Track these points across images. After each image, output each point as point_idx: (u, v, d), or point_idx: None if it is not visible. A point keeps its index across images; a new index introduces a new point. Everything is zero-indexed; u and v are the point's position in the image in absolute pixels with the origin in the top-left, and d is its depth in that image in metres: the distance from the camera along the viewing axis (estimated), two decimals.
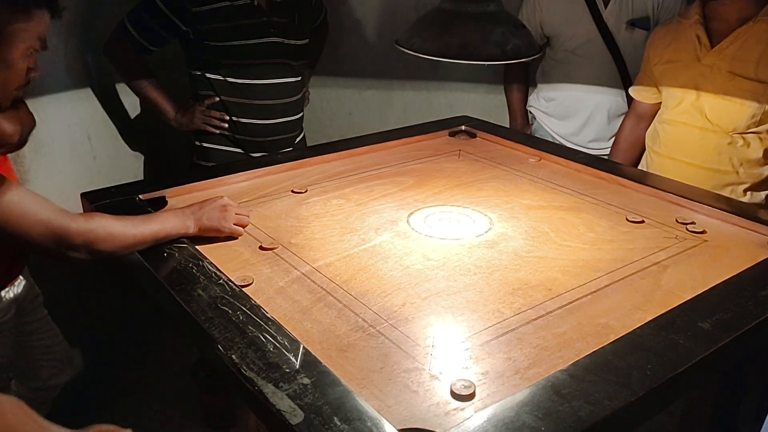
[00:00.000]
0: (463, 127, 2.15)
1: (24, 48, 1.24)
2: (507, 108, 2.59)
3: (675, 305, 1.13)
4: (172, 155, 2.45)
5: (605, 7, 2.21)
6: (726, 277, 1.23)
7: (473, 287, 1.23)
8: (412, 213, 1.55)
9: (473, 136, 2.13)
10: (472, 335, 1.08)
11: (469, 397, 0.93)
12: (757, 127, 1.77)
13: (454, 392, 0.93)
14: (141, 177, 2.47)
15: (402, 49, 1.41)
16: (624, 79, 2.28)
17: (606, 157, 2.21)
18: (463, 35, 1.34)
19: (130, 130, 2.38)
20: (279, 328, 1.05)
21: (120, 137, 2.34)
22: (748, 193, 1.84)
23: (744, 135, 1.79)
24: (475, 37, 1.34)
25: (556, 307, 1.17)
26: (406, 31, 1.44)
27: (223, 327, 1.05)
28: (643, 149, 2.09)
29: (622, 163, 2.06)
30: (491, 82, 2.70)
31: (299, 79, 2.17)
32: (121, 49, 2.01)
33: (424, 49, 1.37)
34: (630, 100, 2.26)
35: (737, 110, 1.77)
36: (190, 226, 1.36)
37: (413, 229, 1.48)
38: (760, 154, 1.80)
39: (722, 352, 1.02)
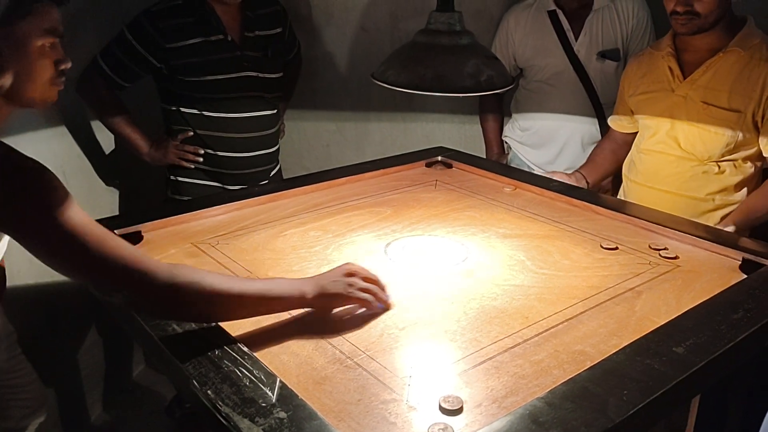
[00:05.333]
0: (439, 158, 2.17)
1: (35, 48, 1.12)
2: (483, 138, 2.62)
3: (649, 330, 1.14)
4: (148, 190, 2.44)
5: (576, 40, 2.27)
6: (699, 302, 1.24)
7: (451, 316, 1.23)
8: (389, 243, 1.56)
9: (449, 166, 2.15)
10: (450, 365, 1.08)
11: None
12: (731, 154, 1.81)
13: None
14: (116, 212, 2.45)
15: (377, 82, 1.43)
16: (596, 108, 2.33)
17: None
18: (437, 67, 1.37)
19: (105, 166, 2.37)
20: (255, 361, 1.04)
21: (95, 173, 2.33)
22: (725, 220, 1.87)
23: (719, 163, 1.82)
24: (449, 69, 1.37)
25: (532, 334, 1.17)
26: (382, 64, 1.46)
27: (198, 362, 1.03)
28: (614, 170, 2.13)
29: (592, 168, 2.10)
30: (467, 112, 2.73)
31: (274, 112, 2.18)
32: (93, 85, 2.02)
33: (398, 81, 1.39)
34: (603, 129, 2.30)
35: (711, 139, 1.80)
36: (307, 292, 1.17)
37: (391, 259, 1.48)
38: (735, 181, 1.83)
39: (697, 375, 1.03)
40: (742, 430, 1.78)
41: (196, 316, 1.12)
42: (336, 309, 1.23)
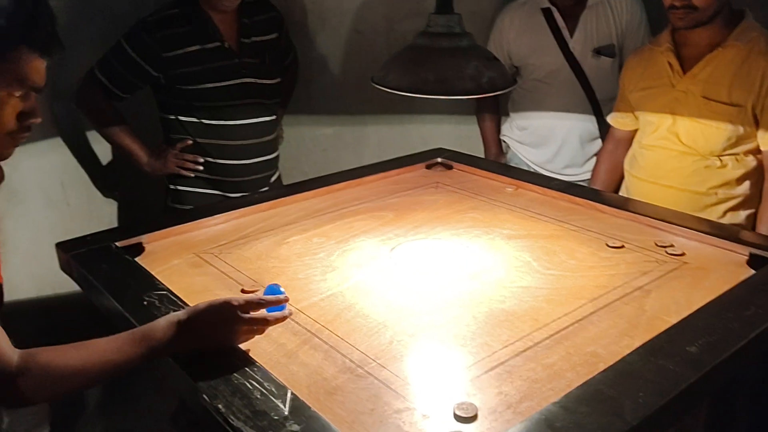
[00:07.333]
0: (439, 159, 2.16)
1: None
2: (480, 138, 2.61)
3: (661, 330, 1.13)
4: (147, 200, 2.42)
5: (571, 37, 2.26)
6: (708, 299, 1.23)
7: (459, 321, 1.22)
8: (393, 248, 1.55)
9: (449, 167, 2.14)
10: (462, 370, 1.07)
11: None
12: (732, 149, 1.81)
13: None
14: (116, 223, 2.43)
15: (378, 86, 1.42)
16: (593, 104, 2.32)
17: (581, 183, 2.23)
18: (439, 71, 1.36)
19: (104, 177, 2.35)
20: (265, 373, 1.02)
21: (93, 184, 2.32)
22: (728, 214, 1.86)
23: (720, 157, 1.82)
24: (451, 72, 1.36)
25: (543, 337, 1.16)
26: (382, 68, 1.45)
27: (208, 375, 1.02)
28: (623, 175, 2.12)
29: (601, 189, 2.08)
30: (463, 113, 2.72)
31: (273, 118, 2.17)
32: (91, 97, 2.00)
33: (400, 85, 1.38)
34: (601, 125, 2.30)
35: (712, 133, 1.80)
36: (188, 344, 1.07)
37: (396, 264, 1.47)
38: (737, 175, 1.83)
39: (712, 374, 1.02)
40: (751, 428, 1.77)
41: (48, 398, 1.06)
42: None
